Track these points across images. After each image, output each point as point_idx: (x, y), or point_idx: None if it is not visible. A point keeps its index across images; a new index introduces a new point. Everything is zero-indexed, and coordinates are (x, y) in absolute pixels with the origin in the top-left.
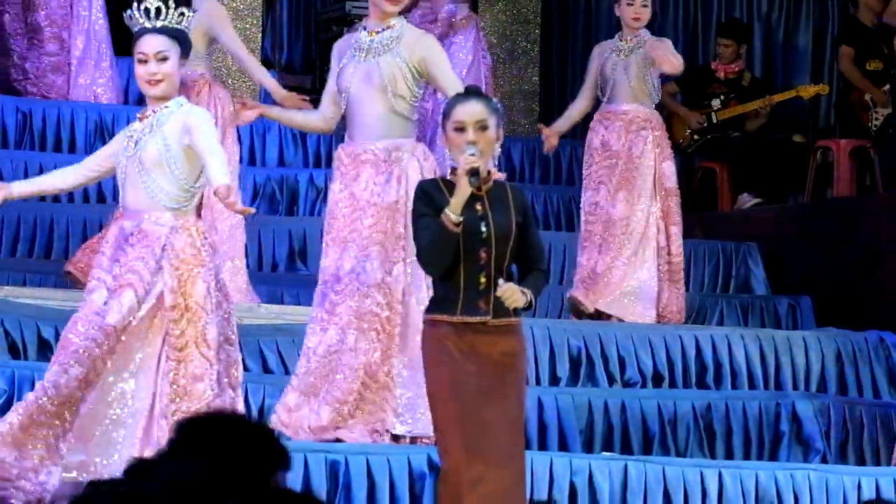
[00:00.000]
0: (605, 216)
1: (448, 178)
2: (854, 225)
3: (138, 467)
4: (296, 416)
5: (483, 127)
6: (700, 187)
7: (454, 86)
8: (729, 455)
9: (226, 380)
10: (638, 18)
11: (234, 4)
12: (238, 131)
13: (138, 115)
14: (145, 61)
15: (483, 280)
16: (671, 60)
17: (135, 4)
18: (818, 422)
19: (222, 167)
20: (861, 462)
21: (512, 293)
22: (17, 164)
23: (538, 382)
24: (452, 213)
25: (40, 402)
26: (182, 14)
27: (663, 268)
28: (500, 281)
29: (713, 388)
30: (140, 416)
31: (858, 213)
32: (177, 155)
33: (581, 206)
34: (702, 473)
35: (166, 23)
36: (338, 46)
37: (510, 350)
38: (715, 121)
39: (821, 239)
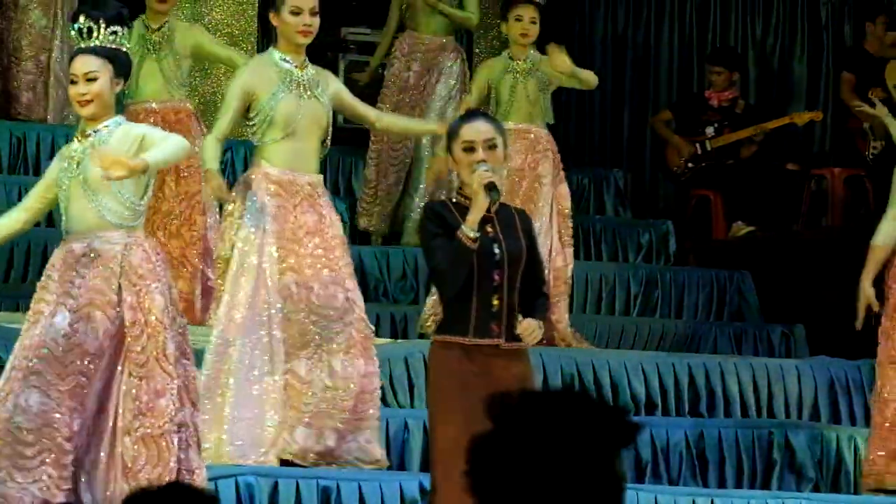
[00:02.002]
0: None
1: (454, 199)
2: (848, 253)
3: (139, 498)
4: (308, 447)
5: (492, 146)
6: (694, 215)
7: (368, 107)
8: (721, 483)
9: (185, 395)
10: (526, 34)
11: (230, 30)
12: (232, 157)
13: (77, 136)
14: (76, 82)
15: (496, 302)
16: (564, 60)
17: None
18: (811, 450)
19: (160, 153)
20: (854, 491)
21: (532, 329)
22: (10, 190)
23: None
24: (469, 230)
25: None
26: (114, 33)
27: (559, 287)
28: (519, 317)
29: (706, 416)
30: (105, 435)
31: (852, 242)
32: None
33: None
34: (694, 501)
35: (98, 42)
36: (255, 74)
37: (522, 375)
38: (709, 149)
39: (814, 267)
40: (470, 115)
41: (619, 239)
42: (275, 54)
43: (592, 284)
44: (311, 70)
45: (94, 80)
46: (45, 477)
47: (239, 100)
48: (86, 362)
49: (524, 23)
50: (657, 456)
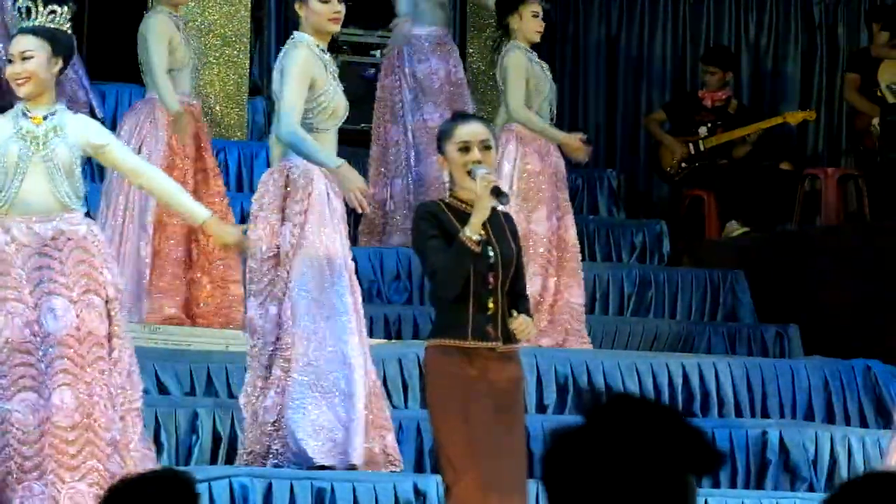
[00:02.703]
0: (557, 241)
1: (446, 200)
2: (841, 253)
3: (122, 488)
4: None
5: (487, 147)
6: (687, 215)
7: None
8: (716, 483)
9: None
10: (540, 32)
11: (223, 31)
12: (225, 158)
13: (30, 116)
14: (13, 62)
15: (491, 305)
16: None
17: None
18: (805, 451)
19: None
20: None
21: (527, 325)
22: None
23: (525, 410)
24: (474, 234)
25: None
26: (53, 12)
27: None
28: (514, 312)
29: (700, 417)
30: None
31: (846, 242)
32: (78, 161)
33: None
34: None
35: (37, 22)
36: (310, 60)
37: (515, 377)
38: (702, 149)
39: (808, 267)
40: (463, 115)
41: (613, 239)
42: (310, 40)
43: (586, 285)
44: None
45: (29, 58)
46: (92, 472)
47: (304, 84)
48: (101, 349)
49: (539, 19)
50: None
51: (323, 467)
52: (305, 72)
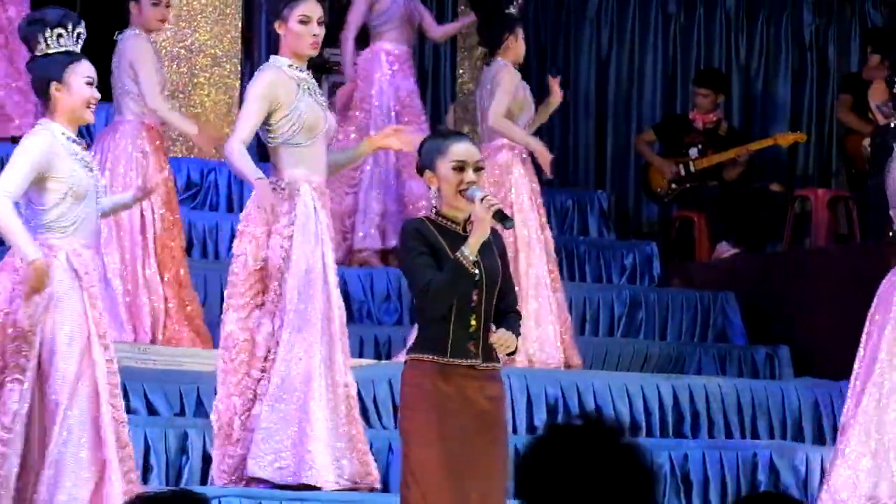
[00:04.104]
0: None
1: (432, 217)
2: (832, 275)
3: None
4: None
5: (479, 168)
6: (678, 236)
7: None
8: None
9: None
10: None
11: (213, 51)
12: (216, 178)
13: (76, 143)
14: (92, 84)
15: (473, 322)
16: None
17: (57, 30)
18: (795, 472)
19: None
20: None
21: (507, 339)
22: None
23: (515, 431)
24: (471, 255)
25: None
26: (79, 35)
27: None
28: (493, 326)
29: (690, 438)
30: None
31: (836, 263)
32: None
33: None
34: None
35: (76, 48)
36: (275, 82)
37: (495, 395)
38: (692, 170)
39: (799, 289)
40: (456, 134)
41: (604, 260)
42: (283, 62)
43: (577, 306)
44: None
45: (94, 85)
46: None
47: (261, 107)
48: None
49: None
50: None
51: (303, 486)
52: (265, 96)
